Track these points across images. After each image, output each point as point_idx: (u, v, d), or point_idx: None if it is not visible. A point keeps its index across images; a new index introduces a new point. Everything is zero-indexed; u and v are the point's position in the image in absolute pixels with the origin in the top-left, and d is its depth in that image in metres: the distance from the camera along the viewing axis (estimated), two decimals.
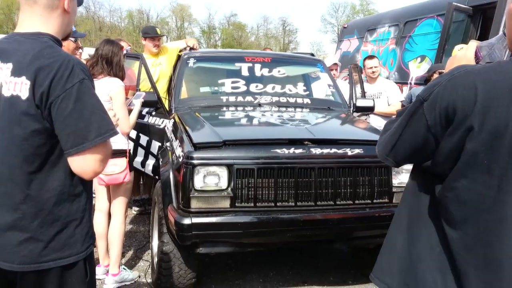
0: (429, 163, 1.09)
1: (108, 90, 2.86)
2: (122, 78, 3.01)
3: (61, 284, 1.35)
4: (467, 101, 0.96)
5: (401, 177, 2.71)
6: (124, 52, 3.28)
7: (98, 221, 3.03)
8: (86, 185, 1.40)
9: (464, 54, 1.24)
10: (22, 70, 1.26)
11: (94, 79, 2.82)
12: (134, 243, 3.84)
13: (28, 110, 1.25)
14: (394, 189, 2.68)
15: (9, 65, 1.28)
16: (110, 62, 2.96)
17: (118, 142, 2.89)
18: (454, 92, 0.98)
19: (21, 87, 1.25)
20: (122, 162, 2.91)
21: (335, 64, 5.29)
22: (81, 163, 1.28)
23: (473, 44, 1.24)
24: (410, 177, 1.22)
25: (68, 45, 3.42)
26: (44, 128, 1.27)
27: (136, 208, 4.66)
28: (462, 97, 0.97)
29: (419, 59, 6.12)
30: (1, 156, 1.31)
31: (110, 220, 3.08)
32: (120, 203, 3.03)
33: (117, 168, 2.86)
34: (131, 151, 3.52)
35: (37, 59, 1.25)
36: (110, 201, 3.08)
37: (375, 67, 4.89)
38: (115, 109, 2.84)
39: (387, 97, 4.85)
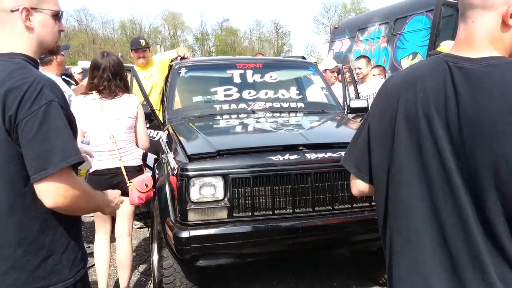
0: None
1: (133, 106, 2.81)
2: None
3: None
4: (393, 93, 1.13)
5: None
6: None
7: (102, 247, 2.90)
8: None
9: None
10: None
11: (111, 99, 2.77)
12: (135, 258, 3.80)
13: (0, 136, 1.20)
14: None
15: None
16: (122, 78, 2.84)
17: (135, 159, 2.88)
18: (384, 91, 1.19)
19: None
20: (147, 176, 2.87)
21: (336, 66, 5.24)
22: (43, 190, 1.20)
23: None
24: None
25: (61, 60, 3.42)
26: (18, 154, 1.20)
27: (137, 222, 4.63)
28: (389, 92, 1.15)
29: (411, 56, 6.13)
30: None
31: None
32: (127, 223, 2.92)
33: (149, 183, 2.80)
34: None
35: (7, 81, 1.20)
36: (108, 222, 2.96)
37: (359, 68, 4.90)
38: (140, 125, 2.86)
39: None
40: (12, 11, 1.27)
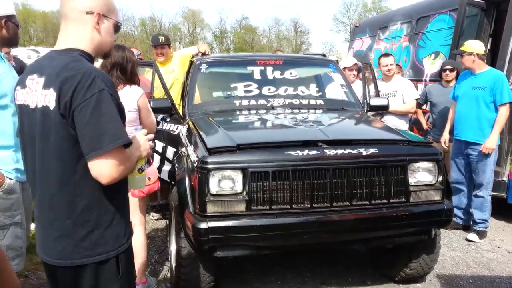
0: None
1: (134, 99, 2.81)
2: (138, 85, 2.95)
3: (94, 279, 1.46)
4: None
5: (418, 175, 2.69)
6: (137, 55, 3.21)
7: None
8: (117, 190, 1.48)
9: None
10: (51, 83, 1.40)
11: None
12: (153, 248, 3.88)
13: (55, 119, 1.38)
14: (411, 188, 2.65)
15: (42, 79, 1.44)
16: (125, 70, 2.83)
17: None
18: None
19: (49, 98, 1.39)
20: (153, 170, 2.91)
21: (355, 64, 5.20)
22: (97, 168, 1.37)
23: None
24: None
25: None
26: (70, 135, 1.38)
27: (155, 214, 4.72)
28: None
29: (433, 55, 6.03)
30: (39, 161, 1.46)
31: None
32: (141, 213, 3.00)
33: (152, 177, 2.85)
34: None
35: (63, 72, 1.38)
36: None
37: (391, 64, 4.84)
38: (145, 117, 2.88)
39: (402, 95, 4.80)
40: (87, 13, 1.47)
